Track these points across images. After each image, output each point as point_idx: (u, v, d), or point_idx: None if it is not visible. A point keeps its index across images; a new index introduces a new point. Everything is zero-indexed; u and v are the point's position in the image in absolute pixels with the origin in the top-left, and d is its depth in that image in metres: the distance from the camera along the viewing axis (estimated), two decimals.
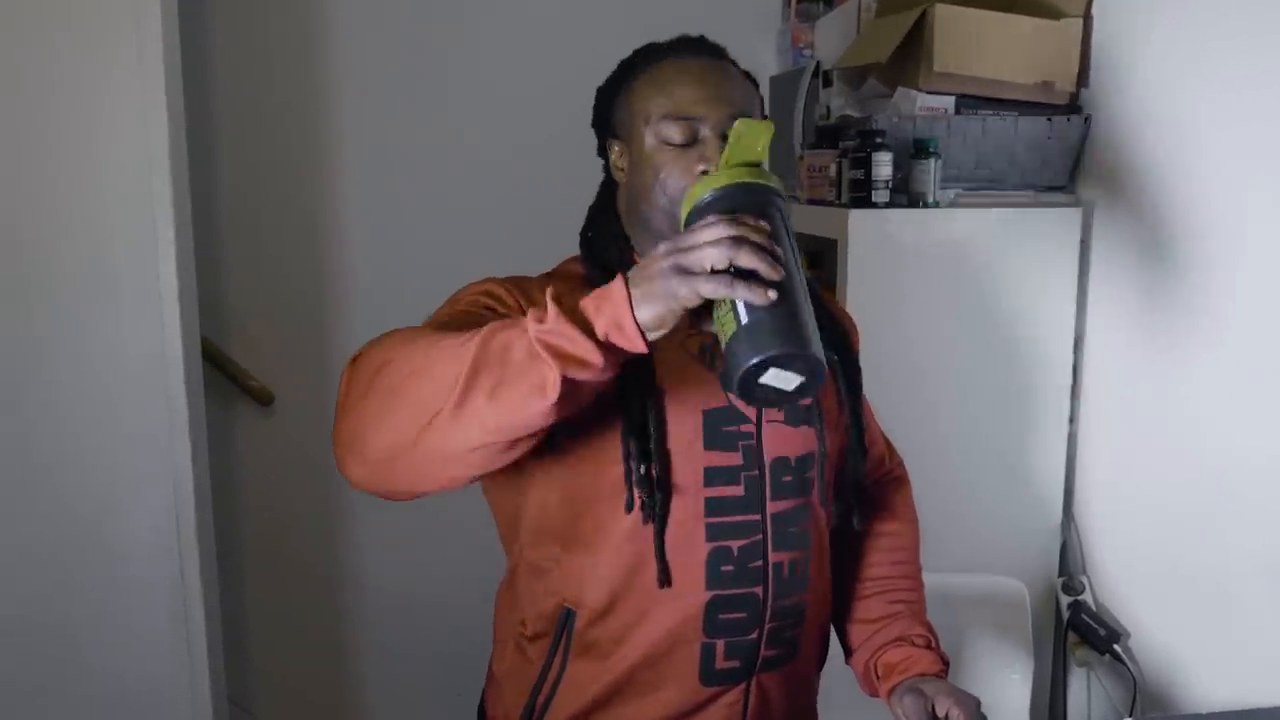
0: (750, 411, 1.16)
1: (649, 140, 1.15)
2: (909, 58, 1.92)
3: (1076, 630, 1.92)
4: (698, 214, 0.97)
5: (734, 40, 2.76)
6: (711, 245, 0.88)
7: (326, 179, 2.56)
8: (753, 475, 1.16)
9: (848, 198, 1.89)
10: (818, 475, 1.21)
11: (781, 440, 1.18)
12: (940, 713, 1.16)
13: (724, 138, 1.10)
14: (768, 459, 1.17)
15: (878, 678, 1.28)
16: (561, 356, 0.87)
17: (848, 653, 1.36)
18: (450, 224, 2.57)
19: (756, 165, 1.00)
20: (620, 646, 1.16)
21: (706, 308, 0.91)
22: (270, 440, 2.62)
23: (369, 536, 2.67)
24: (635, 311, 0.88)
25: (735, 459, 1.15)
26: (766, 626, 1.18)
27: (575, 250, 1.26)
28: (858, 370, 1.30)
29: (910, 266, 1.87)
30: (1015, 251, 1.90)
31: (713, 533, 1.14)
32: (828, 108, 2.20)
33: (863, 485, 1.31)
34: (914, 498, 1.46)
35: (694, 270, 0.88)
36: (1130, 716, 1.80)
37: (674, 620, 1.15)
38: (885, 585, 1.34)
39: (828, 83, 2.22)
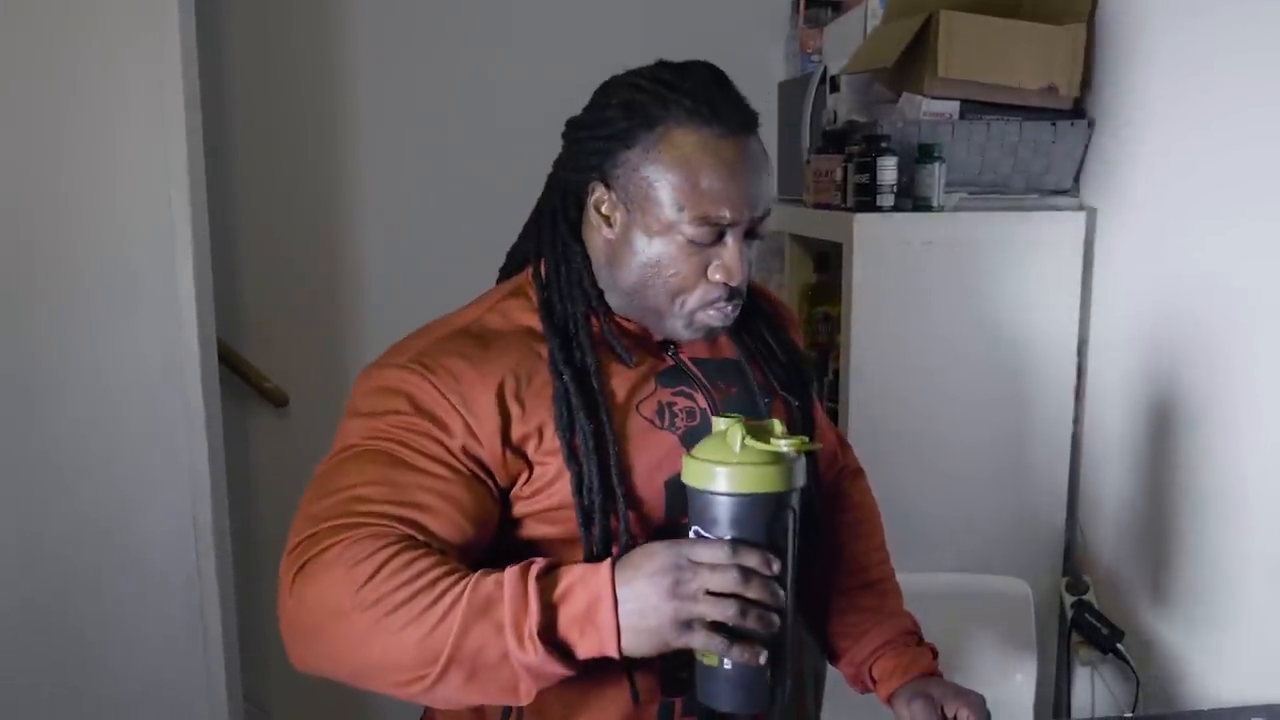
0: None
1: (662, 227, 1.05)
2: (915, 63, 1.93)
3: (1080, 629, 1.93)
4: (705, 510, 0.93)
5: (744, 46, 2.79)
6: (716, 601, 0.89)
7: (340, 183, 2.59)
8: None
9: (853, 201, 1.91)
10: None
11: None
12: (949, 714, 1.15)
13: (750, 235, 1.06)
14: None
15: (874, 681, 1.26)
16: (536, 675, 0.90)
17: (833, 655, 1.31)
18: (464, 229, 2.56)
19: (775, 452, 0.94)
20: (576, 714, 1.10)
21: None
22: (284, 442, 2.64)
23: None
24: (621, 642, 0.90)
25: None
26: None
27: None
28: (809, 394, 1.26)
29: (915, 269, 1.89)
30: (1019, 254, 1.91)
31: None
32: (835, 113, 2.22)
33: (817, 517, 1.26)
34: (905, 490, 1.46)
35: (693, 623, 0.89)
36: (1131, 713, 1.81)
37: (632, 684, 1.09)
38: (862, 583, 1.30)
39: (835, 88, 2.24)
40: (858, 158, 1.90)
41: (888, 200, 1.87)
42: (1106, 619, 1.90)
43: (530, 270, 1.16)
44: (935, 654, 1.26)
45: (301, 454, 2.62)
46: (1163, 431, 1.81)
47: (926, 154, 1.87)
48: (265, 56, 2.51)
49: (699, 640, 0.89)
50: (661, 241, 1.05)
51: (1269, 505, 1.58)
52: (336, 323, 2.63)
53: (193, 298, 2.08)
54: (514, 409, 1.05)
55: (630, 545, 1.03)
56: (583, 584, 0.92)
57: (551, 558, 0.98)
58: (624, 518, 1.05)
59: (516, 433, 1.05)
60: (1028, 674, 1.88)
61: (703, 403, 1.13)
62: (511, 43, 2.60)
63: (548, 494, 1.06)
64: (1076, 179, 1.99)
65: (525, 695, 0.91)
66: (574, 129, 1.13)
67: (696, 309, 1.08)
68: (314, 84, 2.55)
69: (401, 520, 0.98)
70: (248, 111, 2.51)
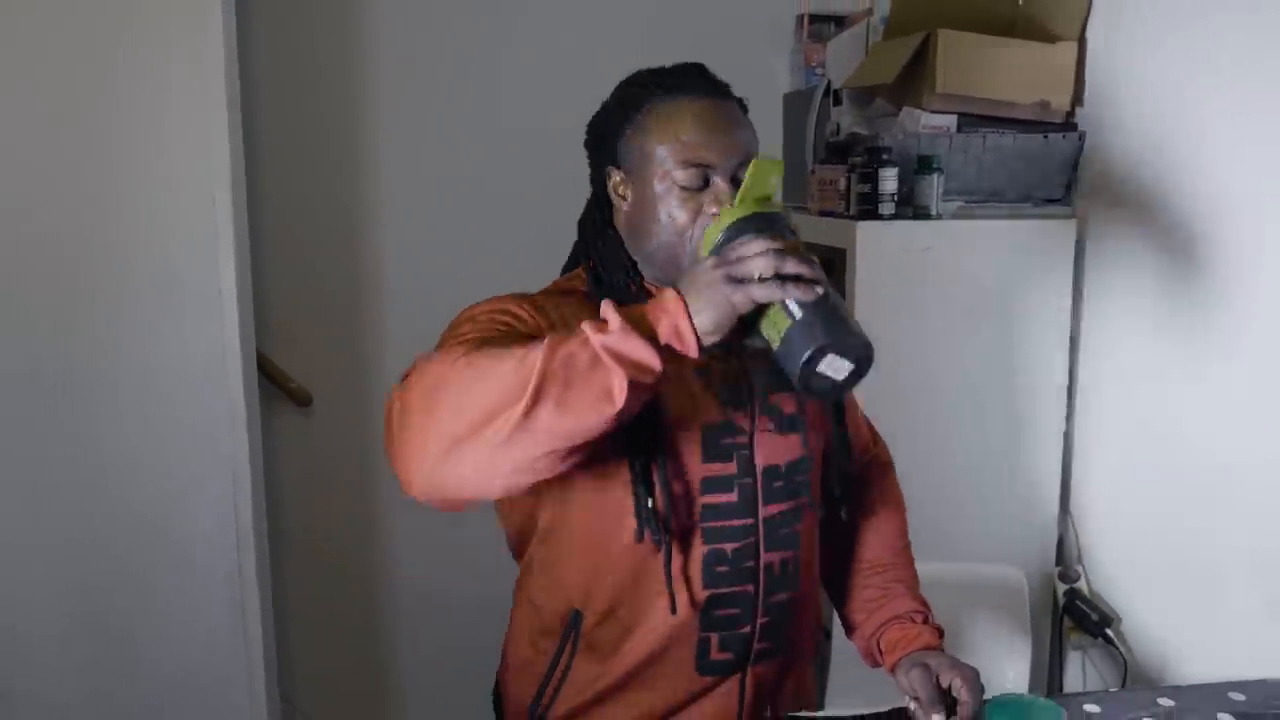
0: (745, 423, 1.22)
1: (659, 181, 1.18)
2: (914, 78, 2.00)
3: (1071, 616, 2.00)
4: (727, 240, 1.05)
5: (750, 60, 2.82)
6: (758, 256, 0.98)
7: (363, 185, 2.59)
8: (746, 483, 1.22)
9: (856, 210, 1.96)
10: (807, 478, 1.28)
11: (772, 449, 1.24)
12: (944, 683, 1.23)
13: (734, 182, 1.18)
14: (760, 467, 1.23)
15: (880, 653, 1.36)
16: (626, 363, 0.93)
17: (849, 629, 1.43)
18: (485, 232, 2.60)
19: (768, 199, 1.09)
20: (622, 644, 1.23)
21: (746, 326, 1.00)
22: (308, 441, 2.64)
23: (404, 536, 2.68)
24: (693, 319, 0.97)
25: (730, 469, 1.22)
26: (759, 621, 1.25)
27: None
28: None
29: (915, 274, 1.95)
30: (1014, 260, 1.97)
31: (709, 536, 1.21)
32: (838, 125, 2.26)
33: (849, 479, 1.38)
34: (907, 484, 1.52)
35: (745, 278, 0.97)
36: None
37: (674, 620, 1.21)
38: (879, 565, 1.40)
39: (838, 101, 2.29)
40: (860, 168, 1.95)
41: (889, 209, 1.93)
42: (1096, 606, 1.97)
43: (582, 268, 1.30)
44: (941, 634, 1.34)
45: (325, 453, 2.68)
46: (1151, 428, 1.88)
47: (925, 165, 1.93)
48: (290, 60, 2.51)
49: (756, 290, 0.97)
50: (661, 195, 1.19)
51: (1250, 500, 1.64)
52: (360, 323, 2.63)
53: (234, 298, 2.09)
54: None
55: (667, 482, 1.17)
56: (651, 303, 1.00)
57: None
58: (662, 459, 1.17)
59: None
60: (1022, 657, 1.93)
61: (738, 364, 1.25)
62: (531, 51, 2.61)
63: None
64: (1068, 188, 2.05)
65: (619, 394, 0.93)
66: (589, 133, 1.29)
67: (700, 241, 1.19)
68: (338, 87, 2.55)
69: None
70: (271, 115, 2.49)
